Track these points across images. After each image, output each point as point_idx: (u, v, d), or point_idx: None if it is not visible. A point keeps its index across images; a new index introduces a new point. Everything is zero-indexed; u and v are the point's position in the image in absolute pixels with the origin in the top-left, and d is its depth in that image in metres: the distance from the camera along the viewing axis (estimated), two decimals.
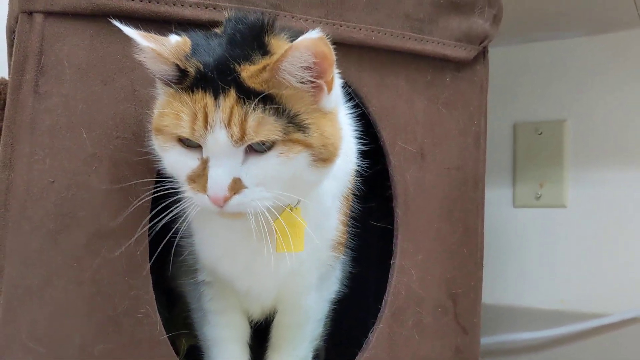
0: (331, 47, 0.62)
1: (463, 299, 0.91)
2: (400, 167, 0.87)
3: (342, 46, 0.81)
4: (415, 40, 0.86)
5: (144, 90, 0.72)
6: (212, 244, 0.75)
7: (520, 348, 1.27)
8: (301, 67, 0.62)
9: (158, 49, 0.62)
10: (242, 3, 0.75)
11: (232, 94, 0.61)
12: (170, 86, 0.63)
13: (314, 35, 0.60)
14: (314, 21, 0.79)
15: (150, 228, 0.69)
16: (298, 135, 0.63)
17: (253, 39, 0.64)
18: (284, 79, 0.63)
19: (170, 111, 0.62)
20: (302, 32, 0.61)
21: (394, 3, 0.85)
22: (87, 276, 0.69)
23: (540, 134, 1.33)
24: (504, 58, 1.33)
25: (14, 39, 0.70)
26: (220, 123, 0.61)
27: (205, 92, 0.61)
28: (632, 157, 1.23)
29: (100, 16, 0.70)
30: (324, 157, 0.65)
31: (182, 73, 0.62)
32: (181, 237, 0.72)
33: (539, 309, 1.28)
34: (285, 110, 0.63)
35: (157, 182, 0.70)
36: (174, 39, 0.65)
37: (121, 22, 0.63)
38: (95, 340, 0.69)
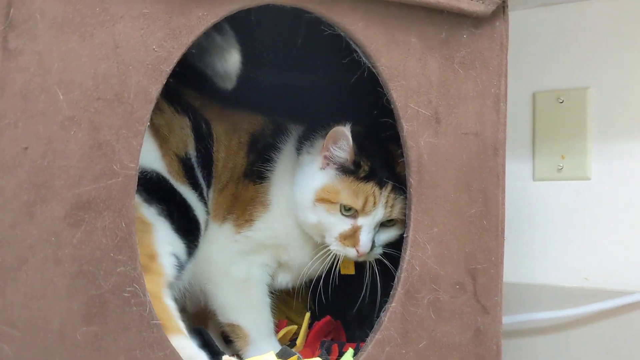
0: None
1: (483, 276, 0.86)
2: (414, 132, 0.81)
3: None
4: None
5: (127, 47, 0.65)
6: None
7: (542, 328, 1.22)
8: None
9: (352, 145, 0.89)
10: None
11: (390, 186, 0.91)
12: (347, 174, 0.92)
13: None
14: None
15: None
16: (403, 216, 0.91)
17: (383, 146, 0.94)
18: None
19: (348, 192, 0.91)
20: None
21: None
22: (66, 252, 0.63)
23: (562, 102, 1.27)
24: (522, 22, 1.27)
25: None
26: (382, 205, 0.91)
27: (374, 183, 0.91)
28: None
29: None
30: None
31: (356, 166, 0.91)
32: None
33: (562, 287, 1.23)
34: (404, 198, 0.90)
35: None
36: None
37: None
38: (76, 323, 0.63)
